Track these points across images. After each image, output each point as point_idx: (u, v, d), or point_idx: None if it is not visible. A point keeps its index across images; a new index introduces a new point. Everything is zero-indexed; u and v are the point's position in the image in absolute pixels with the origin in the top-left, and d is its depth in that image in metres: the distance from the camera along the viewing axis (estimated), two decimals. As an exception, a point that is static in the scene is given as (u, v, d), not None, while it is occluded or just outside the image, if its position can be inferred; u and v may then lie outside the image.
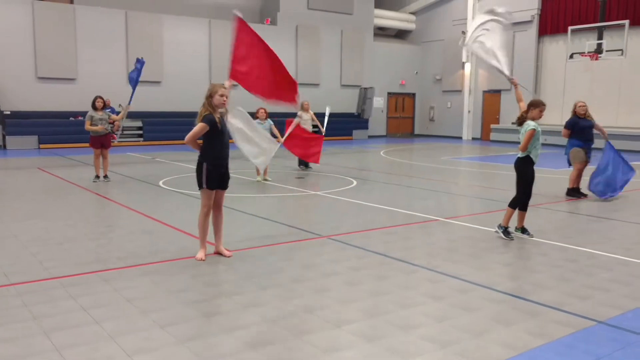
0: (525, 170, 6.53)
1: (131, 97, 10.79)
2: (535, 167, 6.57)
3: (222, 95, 5.35)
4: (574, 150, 9.57)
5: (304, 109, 13.22)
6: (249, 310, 4.17)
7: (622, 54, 18.67)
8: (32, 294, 4.47)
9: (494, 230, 6.86)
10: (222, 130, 5.42)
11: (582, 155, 9.52)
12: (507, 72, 7.00)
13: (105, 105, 10.96)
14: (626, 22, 18.54)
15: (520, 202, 6.60)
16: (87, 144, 11.12)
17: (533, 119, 6.41)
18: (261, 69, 6.40)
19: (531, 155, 6.44)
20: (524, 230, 6.67)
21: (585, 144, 9.53)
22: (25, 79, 18.86)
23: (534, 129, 6.32)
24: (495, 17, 7.03)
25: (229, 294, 4.56)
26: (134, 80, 10.67)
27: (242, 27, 6.32)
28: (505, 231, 6.58)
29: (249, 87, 6.38)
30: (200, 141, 5.47)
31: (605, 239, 6.66)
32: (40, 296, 4.41)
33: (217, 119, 5.35)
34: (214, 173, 5.45)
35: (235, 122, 6.10)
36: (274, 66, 6.44)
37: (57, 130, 18.91)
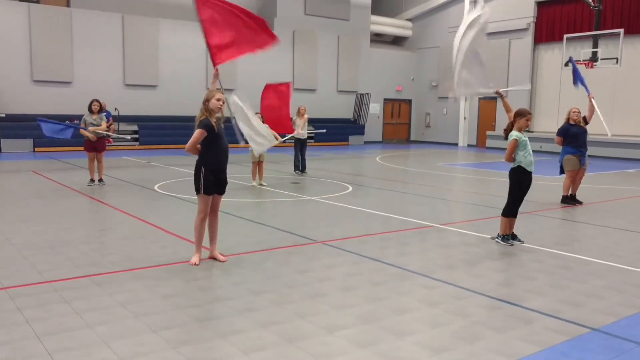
0: (516, 179, 6.57)
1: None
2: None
3: (218, 100, 5.38)
4: (567, 158, 9.61)
5: (300, 114, 13.23)
6: (242, 315, 4.16)
7: (616, 62, 18.77)
8: (25, 297, 4.44)
9: (490, 237, 6.88)
10: (219, 134, 5.43)
11: (575, 163, 9.55)
12: (488, 89, 6.98)
13: (101, 109, 10.94)
14: (621, 31, 18.64)
15: (510, 209, 6.62)
16: (83, 148, 11.10)
17: (520, 129, 6.47)
18: (235, 30, 6.31)
19: (522, 165, 6.47)
20: (514, 236, 6.69)
21: (578, 150, 9.56)
22: (21, 81, 18.82)
23: (516, 139, 6.43)
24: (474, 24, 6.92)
25: (223, 299, 4.55)
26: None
27: (202, 4, 6.21)
28: (504, 238, 6.60)
29: (235, 55, 6.32)
30: (199, 146, 5.47)
31: (599, 246, 6.67)
32: (33, 300, 4.39)
33: (213, 123, 5.36)
34: (211, 178, 5.43)
35: (238, 101, 6.33)
36: (241, 19, 6.36)
37: (52, 133, 18.84)
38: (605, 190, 11.69)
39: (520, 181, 6.54)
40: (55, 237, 6.54)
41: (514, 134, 6.46)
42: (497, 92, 6.94)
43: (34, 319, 3.98)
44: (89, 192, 10.08)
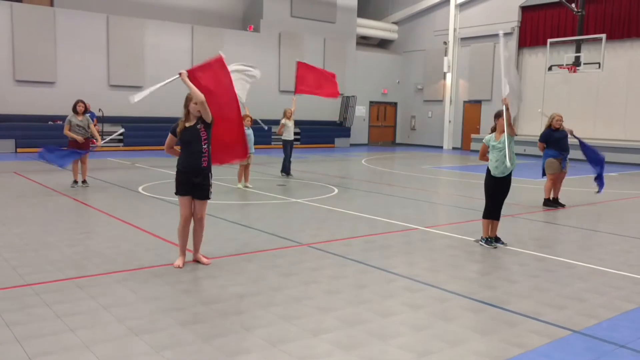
0: (485, 181, 6.71)
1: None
2: (513, 177, 6.65)
3: (196, 104, 5.37)
4: (549, 161, 9.72)
5: (287, 116, 13.21)
6: (226, 318, 4.14)
7: (599, 67, 19.02)
8: (5, 301, 4.38)
9: (474, 239, 6.93)
10: (188, 139, 5.43)
11: (557, 167, 9.66)
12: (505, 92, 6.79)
13: (86, 110, 10.83)
14: (603, 36, 18.90)
15: (487, 211, 6.68)
16: (66, 149, 10.96)
17: (502, 131, 6.53)
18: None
19: (489, 167, 6.55)
20: (497, 239, 6.74)
21: (560, 154, 9.67)
22: (3, 81, 18.56)
23: (485, 144, 6.60)
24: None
25: (207, 302, 4.53)
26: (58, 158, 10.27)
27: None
28: (487, 240, 6.66)
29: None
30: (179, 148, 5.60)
31: (582, 249, 6.75)
32: (14, 303, 4.33)
33: (181, 128, 5.40)
34: (182, 179, 5.48)
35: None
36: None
37: (35, 134, 18.58)
38: (588, 193, 11.82)
39: (488, 183, 6.65)
40: (37, 240, 6.46)
41: (485, 137, 6.63)
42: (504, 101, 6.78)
43: (14, 323, 3.92)
44: (72, 193, 9.97)
